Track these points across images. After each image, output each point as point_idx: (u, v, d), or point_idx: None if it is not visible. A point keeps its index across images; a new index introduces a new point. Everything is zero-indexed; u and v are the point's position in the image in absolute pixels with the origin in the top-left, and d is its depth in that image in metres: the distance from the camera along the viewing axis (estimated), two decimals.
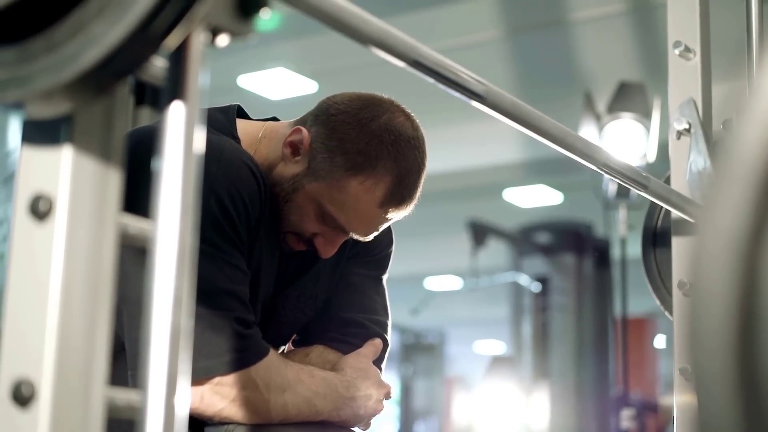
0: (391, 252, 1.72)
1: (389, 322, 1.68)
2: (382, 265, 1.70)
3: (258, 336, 1.44)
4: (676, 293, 1.56)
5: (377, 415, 1.59)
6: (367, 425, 1.59)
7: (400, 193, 1.50)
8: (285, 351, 1.66)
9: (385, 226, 1.56)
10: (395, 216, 1.54)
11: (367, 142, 1.48)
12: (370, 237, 1.56)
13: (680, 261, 1.56)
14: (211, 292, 1.37)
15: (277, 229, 1.54)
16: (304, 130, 1.53)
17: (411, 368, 12.76)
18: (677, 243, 1.58)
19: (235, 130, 1.55)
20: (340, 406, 1.50)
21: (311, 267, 1.63)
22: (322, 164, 1.50)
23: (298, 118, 1.58)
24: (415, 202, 1.54)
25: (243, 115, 1.63)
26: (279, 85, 6.21)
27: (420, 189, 1.54)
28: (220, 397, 1.39)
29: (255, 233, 1.47)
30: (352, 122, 1.50)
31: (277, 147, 1.55)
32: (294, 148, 1.53)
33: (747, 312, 0.40)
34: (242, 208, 1.42)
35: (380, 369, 1.62)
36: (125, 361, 1.36)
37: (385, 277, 1.71)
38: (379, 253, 1.70)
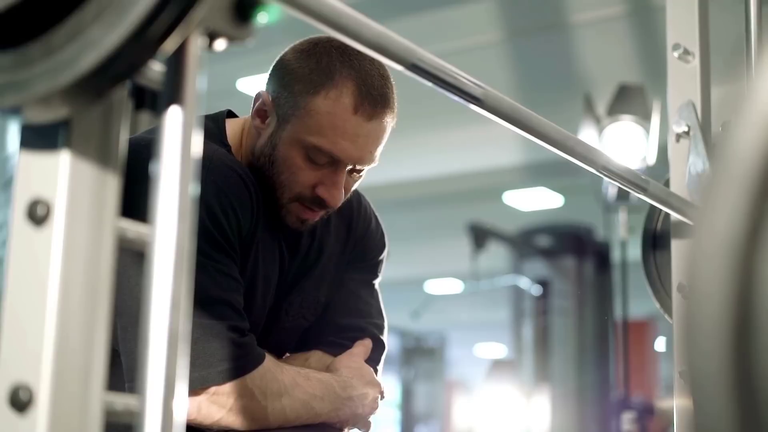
0: (384, 258, 1.72)
1: (385, 325, 1.68)
2: (376, 270, 1.71)
3: (253, 344, 1.43)
4: (676, 296, 1.56)
5: (374, 414, 1.59)
6: (367, 426, 1.59)
7: (368, 94, 1.46)
8: (285, 357, 1.66)
9: (376, 144, 1.49)
10: (378, 123, 1.48)
11: (317, 60, 1.48)
12: (369, 160, 1.50)
13: (680, 264, 1.56)
14: (204, 302, 1.36)
15: (279, 211, 1.51)
16: (263, 92, 1.53)
17: (412, 372, 12.75)
18: (676, 246, 1.58)
19: (225, 137, 1.55)
20: (339, 407, 1.50)
21: (312, 271, 1.63)
22: (287, 103, 1.49)
23: None
24: (393, 108, 1.50)
25: (233, 117, 1.64)
26: None
27: (394, 96, 1.50)
28: (218, 407, 1.38)
29: (249, 241, 1.46)
30: (297, 55, 1.51)
31: (252, 131, 1.55)
32: (261, 114, 1.52)
33: (742, 314, 0.40)
34: (233, 217, 1.41)
35: (376, 371, 1.62)
36: (121, 367, 1.36)
37: (377, 282, 1.71)
38: (372, 258, 1.70)
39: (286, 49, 1.55)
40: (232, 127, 1.58)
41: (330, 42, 1.48)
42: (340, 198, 1.50)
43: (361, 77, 1.47)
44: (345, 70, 1.46)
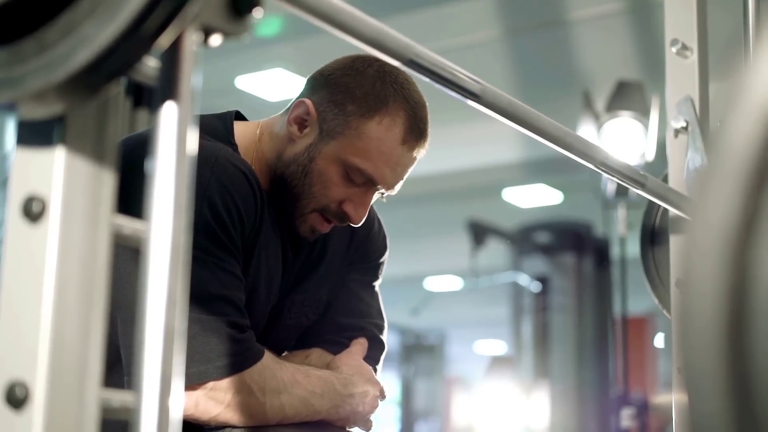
0: (385, 260, 1.73)
1: (385, 326, 1.69)
2: (377, 272, 1.72)
3: (252, 340, 1.43)
4: (674, 291, 1.56)
5: (374, 413, 1.59)
6: (368, 425, 1.59)
7: (417, 126, 1.51)
8: (284, 355, 1.66)
9: (407, 173, 1.54)
10: (416, 153, 1.53)
11: (372, 84, 1.51)
12: (397, 186, 1.54)
13: (678, 259, 1.56)
14: (203, 297, 1.36)
15: (294, 218, 1.53)
16: (308, 101, 1.53)
17: (411, 369, 12.76)
18: (675, 241, 1.58)
19: (232, 136, 1.55)
20: (339, 404, 1.50)
21: (316, 270, 1.63)
22: (335, 120, 1.50)
23: (288, 105, 1.58)
24: (429, 140, 1.55)
25: (242, 119, 1.63)
26: (277, 87, 6.21)
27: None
28: (216, 402, 1.38)
29: (253, 239, 1.46)
30: (351, 73, 1.52)
31: (279, 136, 1.55)
32: (300, 122, 1.53)
33: (737, 309, 0.40)
34: (236, 214, 1.41)
35: (376, 370, 1.63)
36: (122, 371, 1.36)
37: (378, 284, 1.72)
38: (374, 260, 1.71)
39: (331, 63, 1.56)
40: (242, 128, 1.58)
41: (381, 64, 1.52)
42: (364, 217, 1.54)
43: (411, 108, 1.51)
44: (399, 99, 1.50)
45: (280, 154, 1.53)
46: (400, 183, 1.55)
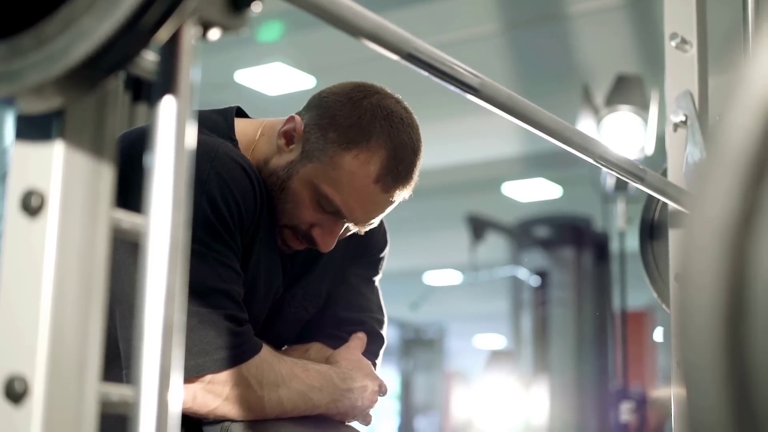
0: (385, 255, 1.73)
1: (385, 320, 1.69)
2: (377, 267, 1.72)
3: (250, 333, 1.44)
4: (673, 286, 1.56)
5: (373, 408, 1.59)
6: (367, 419, 1.59)
7: (395, 168, 1.48)
8: (284, 349, 1.66)
9: (381, 213, 1.53)
10: (391, 196, 1.51)
11: (360, 116, 1.49)
12: (368, 224, 1.53)
13: (677, 253, 1.56)
14: (202, 291, 1.36)
15: (274, 227, 1.54)
16: (297, 118, 1.53)
17: (411, 363, 12.77)
18: (674, 235, 1.58)
19: (233, 132, 1.55)
20: (338, 398, 1.51)
21: (316, 264, 1.63)
22: (316, 144, 1.49)
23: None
24: (412, 184, 1.52)
25: (243, 115, 1.63)
26: (276, 81, 6.21)
27: (417, 172, 1.52)
28: (214, 395, 1.39)
29: (252, 233, 1.47)
30: (344, 100, 1.51)
31: (273, 142, 1.55)
32: (288, 137, 1.53)
33: (736, 303, 0.40)
34: (235, 209, 1.41)
35: (375, 364, 1.63)
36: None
37: (378, 279, 1.72)
38: (374, 255, 1.71)
39: (335, 86, 1.55)
40: (243, 125, 1.58)
41: (381, 99, 1.50)
42: (331, 246, 1.53)
43: (393, 148, 1.48)
44: (382, 137, 1.48)
45: (267, 161, 1.54)
46: (374, 220, 1.54)
